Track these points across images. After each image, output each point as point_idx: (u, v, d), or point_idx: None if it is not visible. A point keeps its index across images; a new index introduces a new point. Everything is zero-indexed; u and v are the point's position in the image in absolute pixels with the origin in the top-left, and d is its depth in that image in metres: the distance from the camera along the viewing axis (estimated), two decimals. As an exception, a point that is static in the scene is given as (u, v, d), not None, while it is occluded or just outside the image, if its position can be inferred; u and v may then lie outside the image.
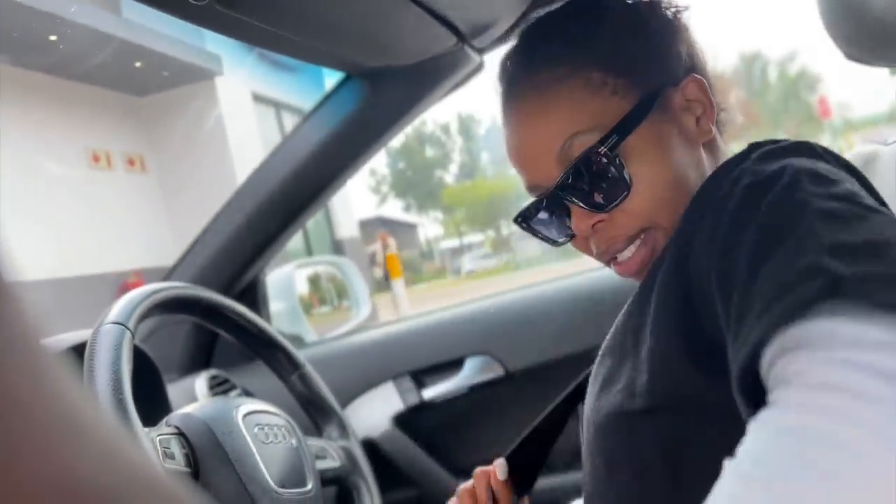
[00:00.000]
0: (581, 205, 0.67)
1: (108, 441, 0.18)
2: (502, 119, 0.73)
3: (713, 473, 0.40)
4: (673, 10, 0.72)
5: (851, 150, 1.00)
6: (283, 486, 0.84)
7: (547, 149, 0.67)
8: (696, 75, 0.69)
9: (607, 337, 0.70)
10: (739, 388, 0.45)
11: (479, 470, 0.85)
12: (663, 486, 0.58)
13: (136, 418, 0.72)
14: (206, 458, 0.80)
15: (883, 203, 0.57)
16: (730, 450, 0.40)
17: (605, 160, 0.64)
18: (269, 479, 0.83)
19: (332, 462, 1.01)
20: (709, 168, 0.68)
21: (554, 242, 0.75)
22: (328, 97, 1.31)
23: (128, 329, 0.79)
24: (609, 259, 0.70)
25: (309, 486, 0.89)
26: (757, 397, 0.43)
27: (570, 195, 0.67)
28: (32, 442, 0.16)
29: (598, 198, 0.66)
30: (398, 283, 10.02)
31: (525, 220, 0.74)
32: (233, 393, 1.31)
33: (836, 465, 0.35)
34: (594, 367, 0.70)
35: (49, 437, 0.16)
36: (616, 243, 0.68)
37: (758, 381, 0.44)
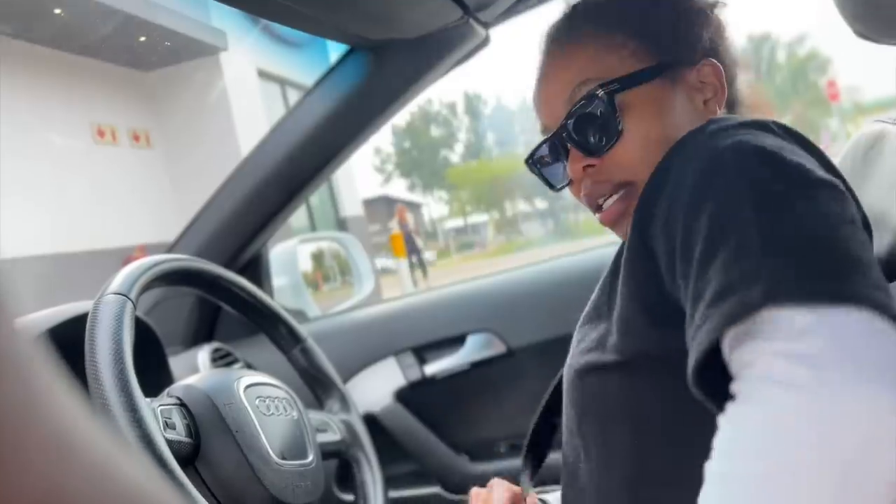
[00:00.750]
0: (576, 146, 0.71)
1: (99, 460, 0.18)
2: (536, 70, 0.77)
3: (670, 423, 0.51)
4: (711, 2, 0.76)
5: (858, 131, 0.99)
6: (283, 458, 0.85)
7: (559, 92, 0.72)
8: (713, 60, 0.72)
9: (588, 303, 0.76)
10: (694, 382, 0.50)
11: (497, 480, 0.86)
12: (626, 433, 0.64)
13: (137, 388, 0.72)
14: (207, 428, 0.80)
15: (838, 175, 0.61)
16: (686, 403, 0.52)
17: (601, 105, 0.69)
18: (269, 450, 0.83)
19: (332, 435, 1.02)
20: None
21: (552, 187, 0.80)
22: (332, 70, 1.30)
23: (129, 300, 0.79)
24: (594, 206, 0.74)
25: (309, 459, 0.89)
26: (714, 388, 0.50)
27: (569, 136, 0.71)
28: (21, 460, 0.15)
29: (592, 141, 0.70)
30: (403, 263, 10.02)
31: (533, 160, 0.79)
32: (235, 366, 1.31)
33: (776, 453, 0.43)
34: (575, 332, 0.76)
35: (38, 456, 0.16)
36: (601, 189, 0.72)
37: (712, 373, 0.50)
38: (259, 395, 0.88)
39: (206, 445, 0.80)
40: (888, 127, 0.91)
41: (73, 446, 0.17)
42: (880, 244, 0.81)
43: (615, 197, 0.71)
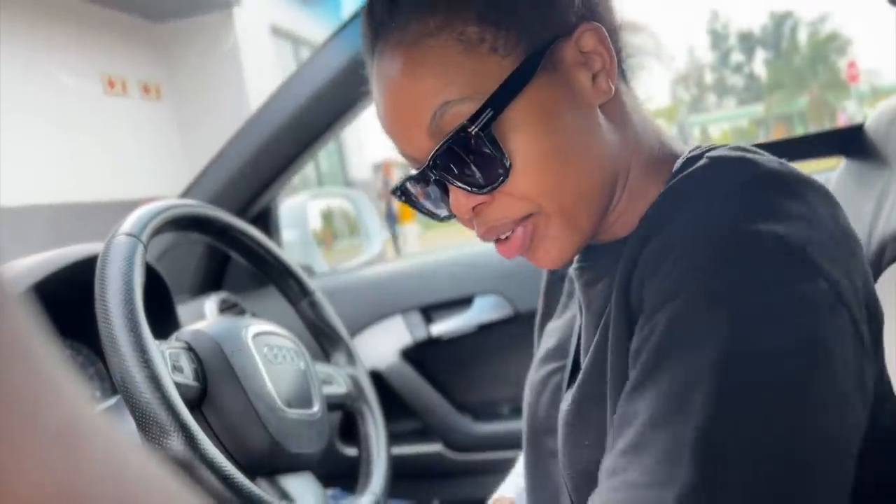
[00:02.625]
0: (457, 184, 0.57)
1: (109, 453, 0.17)
2: (370, 78, 0.62)
3: None
4: None
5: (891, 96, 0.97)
6: (289, 406, 0.85)
7: (416, 120, 0.57)
8: (592, 23, 0.58)
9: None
10: None
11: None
12: None
13: (147, 329, 0.72)
14: (215, 373, 0.81)
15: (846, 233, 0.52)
16: None
17: (477, 140, 0.54)
18: (275, 397, 0.83)
19: (338, 388, 1.02)
20: (608, 132, 0.59)
21: (437, 217, 0.65)
22: (347, 24, 1.29)
23: (141, 242, 0.79)
24: (489, 240, 0.62)
25: (315, 409, 0.90)
26: None
27: (444, 173, 0.57)
28: (30, 451, 0.15)
29: (475, 178, 0.56)
30: (410, 228, 10.00)
31: (403, 193, 0.65)
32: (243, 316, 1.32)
33: None
34: (537, 368, 0.71)
35: (48, 448, 0.16)
36: (499, 228, 0.59)
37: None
38: (267, 344, 0.88)
39: (212, 390, 0.80)
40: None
41: (83, 437, 0.17)
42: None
43: (519, 230, 0.59)
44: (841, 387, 0.46)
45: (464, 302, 1.45)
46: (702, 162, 0.55)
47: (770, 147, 1.09)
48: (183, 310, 1.15)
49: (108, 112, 7.57)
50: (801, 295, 0.46)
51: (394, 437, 1.31)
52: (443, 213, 0.64)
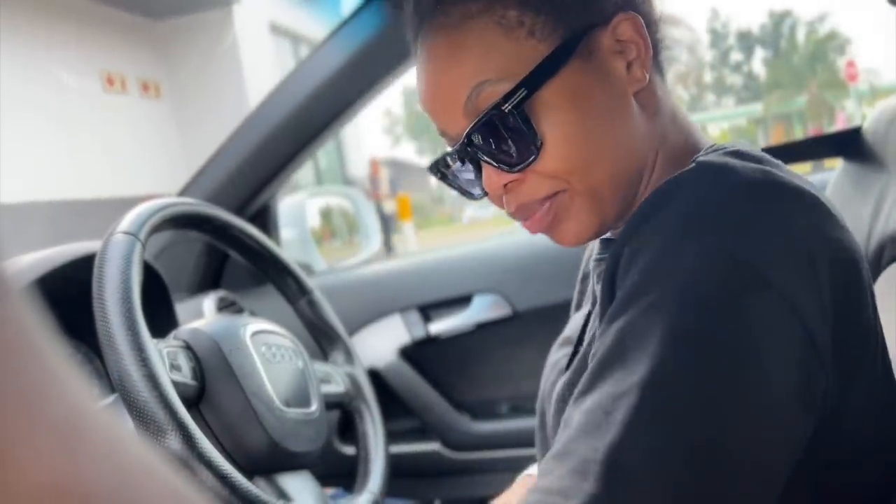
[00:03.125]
0: (490, 162, 0.60)
1: (111, 447, 0.17)
2: (415, 61, 0.64)
3: None
4: None
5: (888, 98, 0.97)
6: (287, 405, 0.85)
7: (453, 98, 0.60)
8: (630, 12, 0.60)
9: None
10: None
11: None
12: None
13: (145, 327, 0.72)
14: (213, 372, 0.81)
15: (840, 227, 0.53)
16: None
17: (510, 117, 0.57)
18: (273, 396, 0.83)
19: (336, 387, 1.02)
20: (639, 120, 0.61)
21: (470, 196, 0.68)
22: (347, 22, 1.28)
23: (139, 240, 0.78)
24: (518, 219, 0.64)
25: (313, 408, 0.90)
26: None
27: (478, 151, 0.60)
28: (32, 445, 0.15)
29: (507, 156, 0.59)
30: (408, 226, 9.98)
31: (439, 170, 0.68)
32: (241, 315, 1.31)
33: None
34: (553, 352, 0.72)
35: (50, 441, 0.16)
36: (530, 206, 0.61)
37: None
38: (265, 343, 0.88)
39: (210, 389, 0.80)
40: (915, 100, 0.90)
41: (83, 432, 0.17)
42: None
43: (545, 206, 0.61)
44: (776, 400, 0.47)
45: (462, 301, 1.45)
46: (689, 166, 0.56)
47: (771, 151, 1.09)
48: (181, 308, 1.14)
49: (108, 109, 7.55)
50: (741, 308, 0.46)
51: (392, 436, 1.31)
52: (476, 191, 0.67)
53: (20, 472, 0.15)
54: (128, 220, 0.80)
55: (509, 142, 0.58)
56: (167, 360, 0.76)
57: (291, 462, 0.84)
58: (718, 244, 0.48)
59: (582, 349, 0.62)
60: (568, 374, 0.63)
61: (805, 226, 0.51)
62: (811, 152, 1.10)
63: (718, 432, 0.45)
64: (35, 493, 0.15)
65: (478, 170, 0.62)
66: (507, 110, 0.57)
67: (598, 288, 0.64)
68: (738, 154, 0.57)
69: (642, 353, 0.46)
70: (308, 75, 1.32)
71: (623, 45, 0.60)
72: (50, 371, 0.17)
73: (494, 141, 0.59)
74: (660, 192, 0.55)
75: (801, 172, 0.59)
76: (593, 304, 0.67)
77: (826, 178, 1.06)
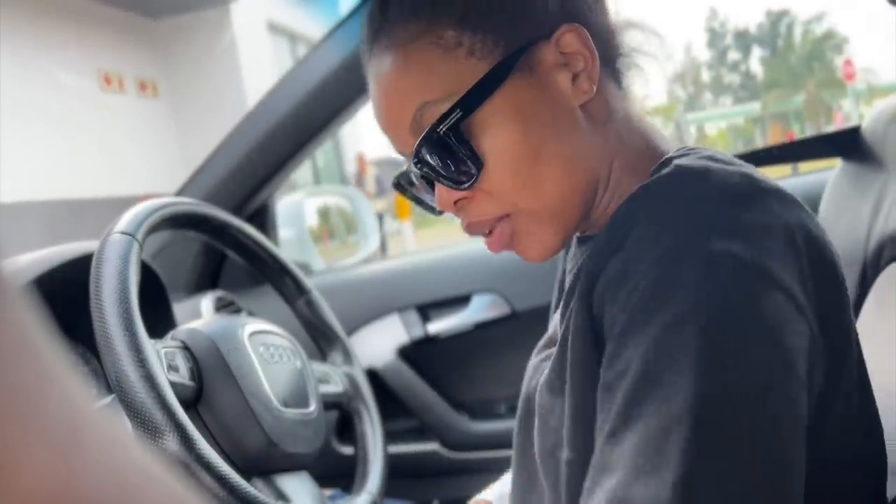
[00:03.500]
0: (438, 180, 0.60)
1: (109, 448, 0.17)
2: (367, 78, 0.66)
3: None
4: None
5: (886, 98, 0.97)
6: (285, 406, 0.84)
7: (400, 118, 0.60)
8: (573, 24, 0.58)
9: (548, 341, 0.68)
10: None
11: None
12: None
13: (142, 328, 0.71)
14: (211, 373, 0.80)
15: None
16: None
17: (448, 138, 0.57)
18: (272, 397, 0.83)
19: (334, 387, 1.02)
20: (589, 133, 0.60)
21: (432, 211, 0.68)
22: (345, 21, 1.28)
23: (136, 240, 0.78)
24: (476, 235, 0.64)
25: (311, 408, 0.89)
26: None
27: (426, 170, 0.60)
28: (28, 448, 0.15)
29: (451, 175, 0.59)
30: (407, 225, 9.95)
31: (401, 185, 0.70)
32: (239, 315, 1.31)
33: None
34: (534, 356, 0.71)
35: (46, 445, 0.15)
36: (480, 225, 0.62)
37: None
38: (263, 343, 0.88)
39: (208, 389, 0.80)
40: (913, 99, 0.90)
41: (81, 436, 0.16)
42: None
43: (501, 225, 0.61)
44: (803, 397, 0.46)
45: (461, 300, 1.45)
46: (666, 170, 0.55)
47: (767, 152, 1.09)
48: (179, 308, 1.14)
49: (105, 109, 7.55)
50: (758, 310, 0.46)
51: (390, 436, 1.31)
52: (437, 206, 0.66)
53: (16, 477, 0.15)
54: (125, 219, 0.80)
55: (450, 161, 0.58)
56: (164, 360, 0.76)
57: (289, 462, 0.84)
58: (718, 249, 0.47)
59: (556, 351, 0.61)
60: (546, 373, 0.62)
61: (792, 224, 0.50)
62: (810, 152, 1.10)
63: (777, 438, 0.44)
64: (31, 499, 0.15)
65: (432, 187, 0.64)
66: (442, 132, 0.57)
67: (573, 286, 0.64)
68: (712, 158, 0.56)
69: (678, 376, 0.44)
70: (306, 75, 1.32)
71: (567, 57, 0.59)
72: (47, 374, 0.16)
73: (439, 160, 0.59)
74: (639, 198, 0.54)
75: (780, 175, 0.59)
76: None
77: (824, 178, 1.06)
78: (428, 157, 0.59)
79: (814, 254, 0.50)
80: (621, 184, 0.61)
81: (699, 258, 0.47)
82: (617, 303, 0.50)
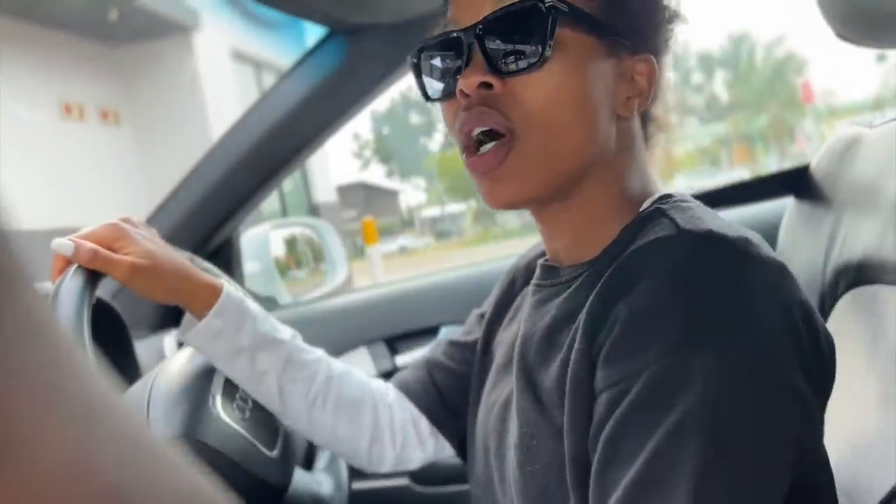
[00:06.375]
0: (483, 54, 0.59)
1: (123, 426, 0.17)
2: None
3: None
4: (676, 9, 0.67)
5: (834, 134, 1.00)
6: (270, 449, 0.83)
7: None
8: (653, 57, 0.63)
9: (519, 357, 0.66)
10: None
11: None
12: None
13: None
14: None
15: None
16: None
17: (539, 18, 0.58)
18: (259, 447, 0.81)
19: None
20: (610, 139, 0.62)
21: (425, 95, 0.67)
22: (310, 53, 1.29)
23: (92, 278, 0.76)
24: (468, 142, 0.62)
25: (276, 449, 0.88)
26: None
27: (481, 38, 0.59)
28: (49, 421, 0.15)
29: (505, 56, 0.59)
30: (374, 251, 9.92)
31: (423, 51, 0.66)
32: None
33: None
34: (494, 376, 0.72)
35: (66, 418, 0.16)
36: (483, 122, 0.60)
37: None
38: (235, 402, 0.84)
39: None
40: (864, 131, 0.92)
41: (99, 411, 0.17)
42: (854, 246, 0.82)
43: (492, 144, 0.60)
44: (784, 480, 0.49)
45: (429, 332, 1.44)
46: (665, 225, 0.56)
47: (720, 193, 1.10)
48: (142, 346, 1.12)
49: (65, 138, 7.43)
50: (771, 416, 0.49)
51: (358, 473, 1.29)
52: (435, 89, 0.65)
53: (36, 453, 0.15)
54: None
55: (520, 38, 0.58)
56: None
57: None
58: (731, 343, 0.49)
59: (543, 389, 0.60)
60: (517, 416, 0.62)
61: (789, 294, 0.52)
62: (760, 192, 1.12)
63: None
64: (53, 470, 0.15)
65: (457, 69, 0.61)
66: (546, 4, 0.57)
67: (537, 312, 0.65)
68: (701, 210, 0.59)
69: (679, 479, 0.46)
70: (270, 108, 1.32)
71: (633, 80, 0.62)
72: (62, 352, 0.17)
73: (507, 32, 0.59)
74: (644, 252, 0.55)
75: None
76: (521, 328, 0.67)
77: (779, 216, 1.07)
78: (506, 23, 0.58)
79: (812, 335, 0.53)
80: (605, 206, 0.63)
81: (710, 354, 0.48)
82: (621, 348, 0.51)
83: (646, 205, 0.62)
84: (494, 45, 0.59)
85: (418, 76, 0.67)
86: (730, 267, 0.52)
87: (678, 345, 0.48)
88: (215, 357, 0.78)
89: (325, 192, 11.89)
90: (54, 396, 0.16)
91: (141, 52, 8.52)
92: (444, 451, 0.88)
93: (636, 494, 0.46)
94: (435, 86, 0.66)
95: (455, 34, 0.61)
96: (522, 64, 0.58)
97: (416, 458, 0.88)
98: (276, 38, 10.61)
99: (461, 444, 0.86)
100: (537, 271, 0.69)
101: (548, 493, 0.58)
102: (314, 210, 10.88)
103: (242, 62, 10.08)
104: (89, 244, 0.70)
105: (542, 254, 0.79)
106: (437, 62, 0.65)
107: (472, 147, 0.62)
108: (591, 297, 0.56)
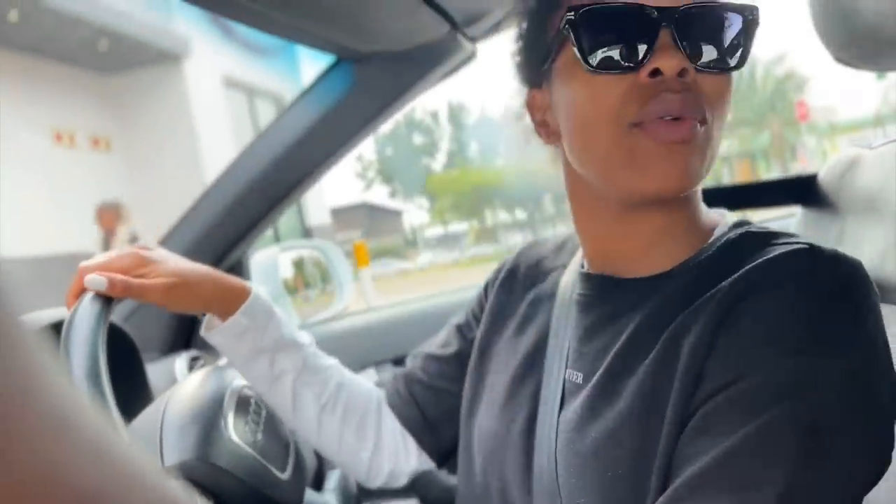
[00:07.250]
0: (688, 41, 0.57)
1: (98, 438, 0.18)
2: None
3: None
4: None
5: (835, 152, 1.02)
6: (282, 471, 0.83)
7: None
8: None
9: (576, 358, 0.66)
10: None
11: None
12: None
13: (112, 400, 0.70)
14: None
15: None
16: None
17: (747, 24, 0.59)
18: (272, 470, 0.81)
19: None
20: None
21: (588, 60, 0.59)
22: (318, 81, 1.31)
23: (108, 303, 0.78)
24: (641, 121, 0.58)
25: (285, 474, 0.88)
26: None
27: (686, 27, 0.57)
28: (19, 434, 0.15)
29: (710, 50, 0.58)
30: (366, 273, 9.80)
31: (589, 16, 0.59)
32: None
33: None
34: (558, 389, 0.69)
35: (39, 430, 0.16)
36: (699, 110, 0.58)
37: None
38: (247, 424, 0.85)
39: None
40: (864, 152, 0.94)
41: (70, 423, 0.17)
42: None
43: (699, 128, 0.59)
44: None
45: None
46: (792, 244, 0.57)
47: (733, 191, 1.12)
48: (153, 369, 1.13)
49: (56, 164, 7.44)
50: (880, 362, 0.53)
51: (368, 494, 1.29)
52: (599, 58, 0.59)
53: (9, 461, 0.15)
54: None
55: (722, 41, 0.59)
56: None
57: None
58: (856, 358, 0.52)
59: (629, 394, 0.59)
60: (597, 421, 0.60)
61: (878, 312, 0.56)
62: (770, 197, 1.14)
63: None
64: (27, 479, 0.15)
65: (641, 45, 0.57)
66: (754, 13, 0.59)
67: (599, 326, 0.65)
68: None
69: (772, 468, 0.47)
70: (279, 134, 1.34)
71: None
72: (40, 364, 0.17)
73: (714, 29, 0.59)
74: (773, 264, 0.55)
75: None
76: (567, 340, 0.68)
77: (787, 224, 1.09)
78: (710, 17, 0.58)
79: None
80: (686, 222, 0.65)
81: (829, 362, 0.51)
82: (738, 367, 0.52)
83: (720, 224, 0.65)
84: (698, 35, 0.58)
85: (580, 37, 0.59)
86: (855, 285, 0.55)
87: (800, 351, 0.51)
88: (236, 355, 0.81)
89: (318, 216, 11.83)
90: (28, 406, 0.16)
91: (131, 80, 8.57)
92: (424, 466, 0.89)
93: (726, 462, 0.48)
94: (599, 53, 0.59)
95: (655, 13, 0.57)
96: (727, 59, 0.59)
97: (404, 474, 0.89)
98: (269, 64, 10.60)
99: (441, 457, 0.87)
100: (581, 282, 0.69)
101: (626, 498, 0.57)
102: (307, 233, 10.80)
103: (235, 89, 10.06)
104: (120, 276, 0.72)
105: (536, 262, 0.80)
106: (611, 34, 0.58)
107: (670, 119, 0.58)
108: (698, 306, 0.57)
